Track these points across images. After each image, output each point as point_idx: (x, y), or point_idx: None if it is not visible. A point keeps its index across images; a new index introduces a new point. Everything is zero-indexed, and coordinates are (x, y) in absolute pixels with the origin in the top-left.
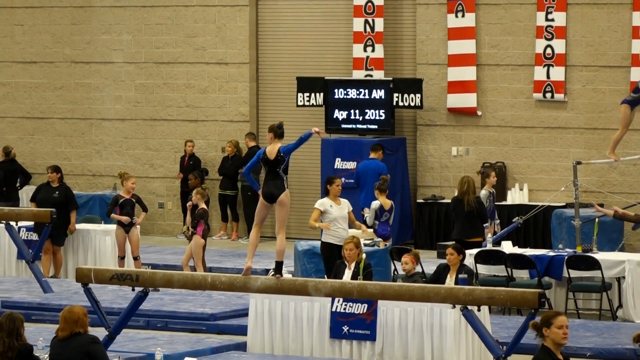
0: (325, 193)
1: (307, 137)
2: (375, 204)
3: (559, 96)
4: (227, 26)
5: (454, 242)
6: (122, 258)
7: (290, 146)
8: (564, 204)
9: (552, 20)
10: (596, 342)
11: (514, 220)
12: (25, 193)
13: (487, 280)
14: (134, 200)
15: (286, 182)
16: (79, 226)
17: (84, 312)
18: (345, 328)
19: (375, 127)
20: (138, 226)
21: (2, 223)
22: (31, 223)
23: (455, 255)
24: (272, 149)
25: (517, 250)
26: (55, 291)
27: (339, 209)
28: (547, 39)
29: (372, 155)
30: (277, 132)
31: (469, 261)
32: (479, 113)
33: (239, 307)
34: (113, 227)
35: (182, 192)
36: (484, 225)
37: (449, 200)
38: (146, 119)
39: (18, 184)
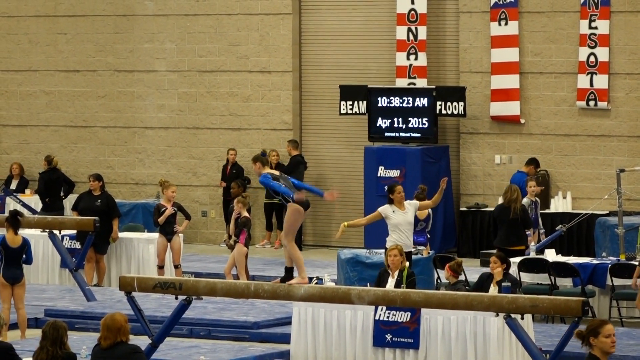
0: (389, 202)
1: (316, 192)
2: None
3: (602, 104)
4: (270, 34)
5: (497, 251)
6: (160, 267)
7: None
8: (608, 212)
9: (596, 28)
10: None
11: (557, 228)
12: (69, 202)
13: (531, 288)
14: (175, 209)
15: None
16: (122, 235)
17: (125, 320)
18: (389, 336)
19: (419, 135)
20: (181, 235)
21: (46, 232)
22: (74, 231)
23: (498, 264)
24: (273, 172)
25: (561, 258)
26: (99, 300)
27: (402, 214)
28: (590, 47)
29: (522, 168)
30: (264, 160)
31: (512, 269)
32: (522, 121)
33: (282, 316)
34: (156, 235)
35: (225, 201)
36: (527, 232)
37: (492, 209)
38: (189, 128)
39: (62, 193)
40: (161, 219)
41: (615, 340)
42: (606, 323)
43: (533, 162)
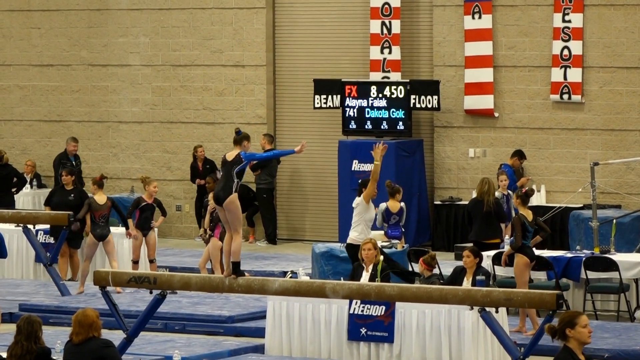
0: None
1: (287, 153)
2: (381, 207)
3: (576, 97)
4: (244, 28)
5: (471, 244)
6: (135, 262)
7: (258, 155)
8: (582, 205)
9: (569, 21)
10: (614, 344)
11: None
12: (26, 197)
13: (505, 281)
14: (155, 205)
15: (235, 186)
16: None
17: (96, 315)
18: (363, 330)
19: (393, 129)
20: (155, 229)
21: (20, 226)
22: (47, 226)
23: (471, 258)
24: (231, 153)
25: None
26: (73, 294)
27: (372, 209)
28: (564, 40)
29: (508, 161)
30: (235, 138)
31: (487, 263)
32: (496, 115)
33: (257, 310)
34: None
35: (199, 195)
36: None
37: (466, 202)
38: (163, 122)
39: (14, 188)
40: (130, 224)
41: (592, 331)
42: (581, 314)
43: (517, 154)
